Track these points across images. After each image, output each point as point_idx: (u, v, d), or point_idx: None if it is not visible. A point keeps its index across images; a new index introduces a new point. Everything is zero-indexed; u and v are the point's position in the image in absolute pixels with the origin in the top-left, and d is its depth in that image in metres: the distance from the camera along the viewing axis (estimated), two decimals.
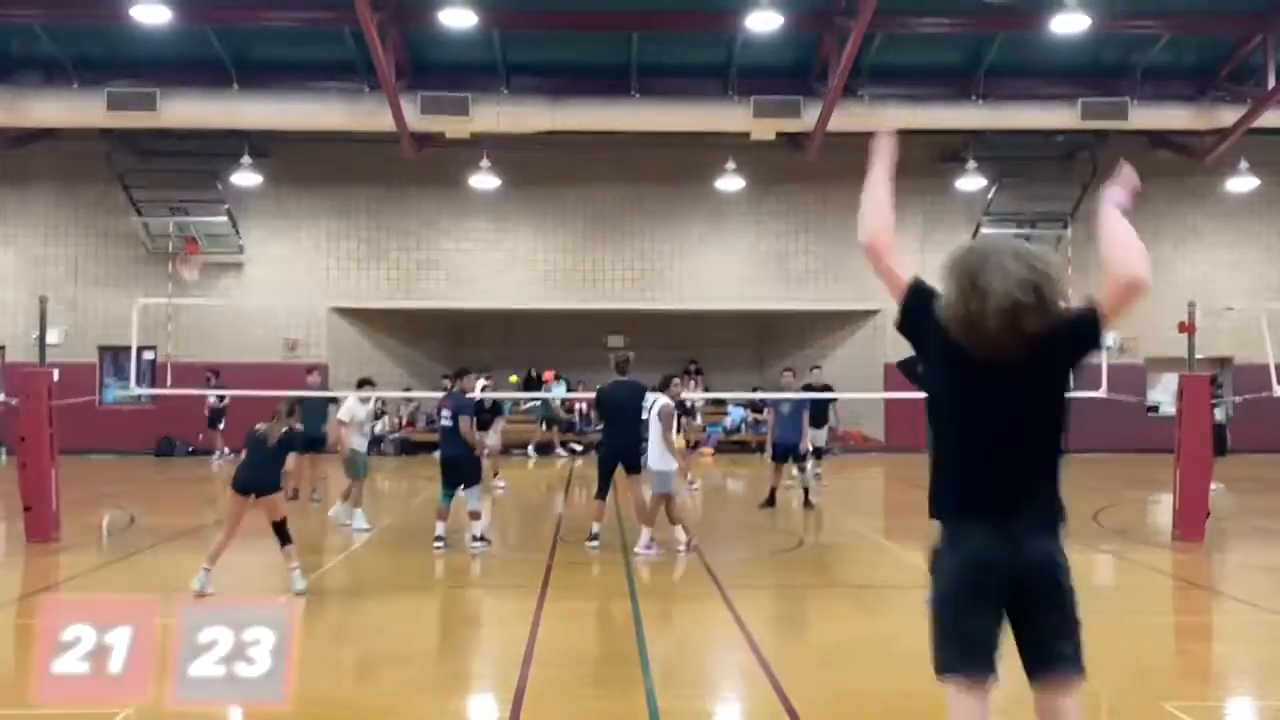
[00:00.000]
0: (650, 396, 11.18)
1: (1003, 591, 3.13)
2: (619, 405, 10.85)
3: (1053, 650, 3.13)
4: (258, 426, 8.50)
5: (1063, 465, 3.26)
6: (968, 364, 3.16)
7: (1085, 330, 3.16)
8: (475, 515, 10.80)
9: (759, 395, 22.29)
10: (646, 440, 10.95)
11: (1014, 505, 3.17)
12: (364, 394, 13.01)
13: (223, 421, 20.87)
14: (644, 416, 11.03)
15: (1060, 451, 3.26)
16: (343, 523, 12.20)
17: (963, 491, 3.23)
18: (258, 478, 8.26)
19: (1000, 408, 3.16)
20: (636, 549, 10.44)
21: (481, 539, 10.77)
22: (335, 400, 13.28)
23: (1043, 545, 3.16)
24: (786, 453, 14.05)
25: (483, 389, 14.68)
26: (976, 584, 3.14)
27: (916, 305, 3.34)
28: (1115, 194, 3.33)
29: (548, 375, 24.87)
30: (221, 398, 20.50)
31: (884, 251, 3.48)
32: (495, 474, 16.72)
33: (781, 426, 14.05)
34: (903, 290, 3.38)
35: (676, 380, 11.11)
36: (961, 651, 3.16)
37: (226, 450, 20.65)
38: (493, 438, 15.86)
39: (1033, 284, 3.03)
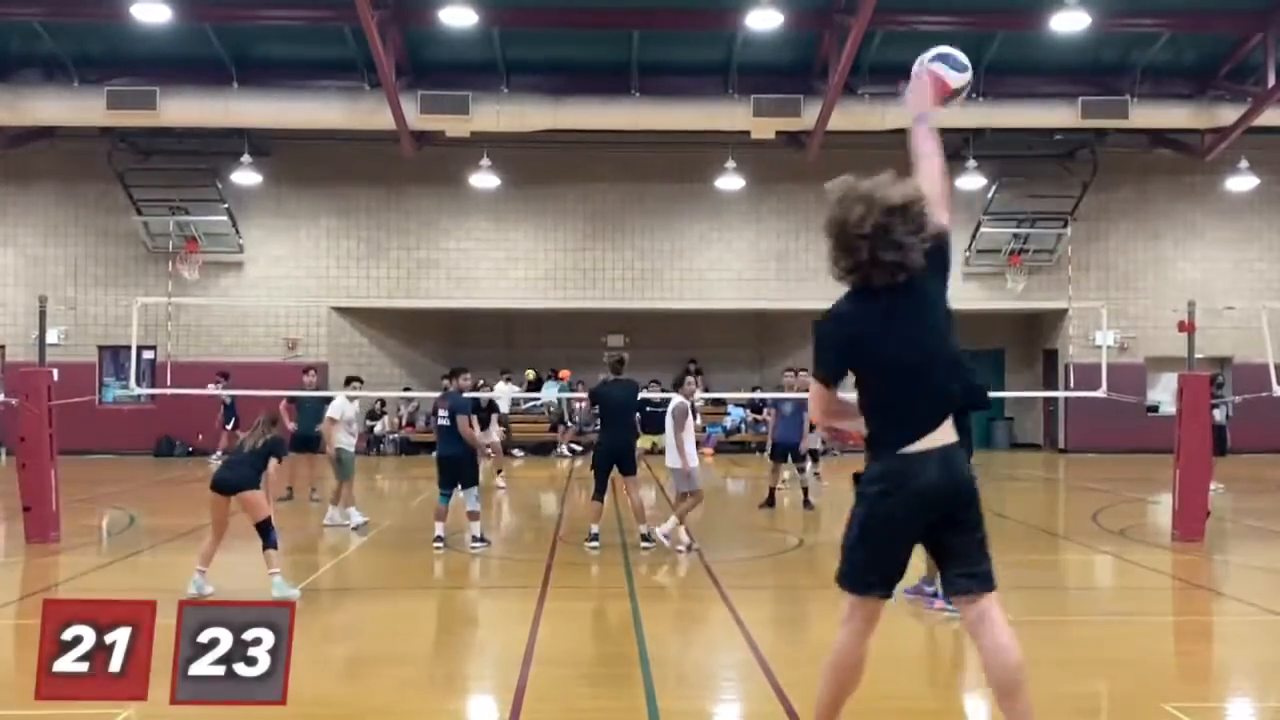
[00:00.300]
0: (646, 394, 11.23)
1: (933, 518, 3.47)
2: (615, 405, 10.88)
3: (978, 569, 3.52)
4: (241, 437, 8.59)
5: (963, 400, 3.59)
6: (868, 307, 3.51)
7: (940, 246, 3.53)
8: (474, 516, 10.80)
9: (758, 395, 22.31)
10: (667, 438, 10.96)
11: (941, 433, 3.50)
12: (351, 392, 13.03)
13: (233, 420, 20.86)
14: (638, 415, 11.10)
15: (963, 377, 3.58)
16: (338, 524, 12.20)
17: (897, 427, 3.54)
18: (232, 477, 8.27)
19: (906, 331, 3.50)
20: (659, 532, 10.55)
21: (481, 539, 10.77)
22: (330, 400, 13.32)
23: (966, 470, 3.53)
24: (785, 452, 14.08)
25: (477, 385, 14.77)
26: (912, 518, 3.45)
27: (829, 349, 3.66)
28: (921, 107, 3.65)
29: (564, 375, 24.87)
30: (231, 398, 20.51)
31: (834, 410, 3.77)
32: (499, 471, 16.73)
33: (783, 425, 14.08)
34: (819, 375, 3.71)
35: (690, 379, 11.13)
36: (883, 579, 3.56)
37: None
38: (492, 436, 15.90)
39: (898, 195, 3.41)
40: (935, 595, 7.72)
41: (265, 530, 8.21)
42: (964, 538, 3.54)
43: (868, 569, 3.58)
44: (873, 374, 3.60)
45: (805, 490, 14.13)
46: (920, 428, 3.52)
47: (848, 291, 3.62)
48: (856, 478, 3.66)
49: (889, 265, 3.44)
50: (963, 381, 3.58)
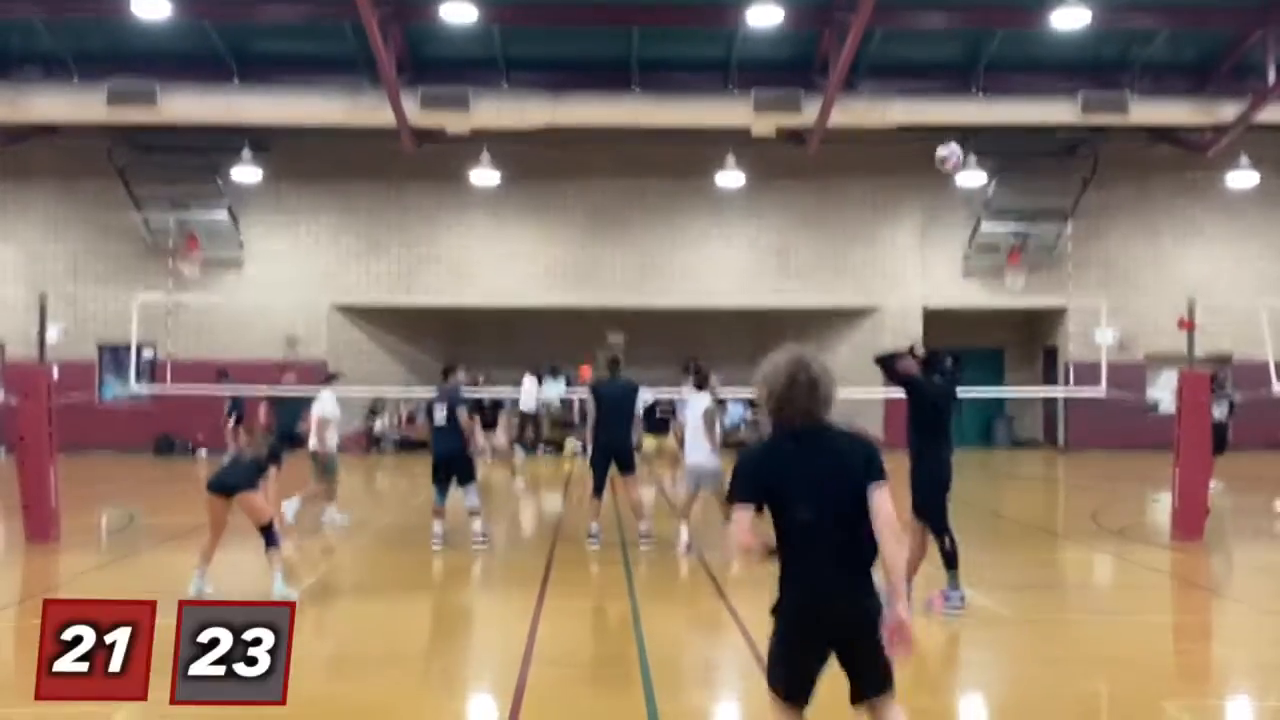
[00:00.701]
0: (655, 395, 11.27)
1: (832, 641, 3.90)
2: (612, 403, 10.85)
3: (874, 679, 3.89)
4: (241, 446, 8.54)
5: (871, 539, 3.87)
6: (784, 446, 3.98)
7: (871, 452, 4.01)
8: (475, 512, 10.79)
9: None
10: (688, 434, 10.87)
11: (838, 569, 3.87)
12: (337, 390, 13.01)
13: (236, 417, 20.81)
14: (638, 413, 11.09)
15: (863, 509, 3.88)
16: (338, 524, 12.21)
17: (797, 562, 3.91)
18: (230, 479, 8.26)
19: (811, 462, 3.93)
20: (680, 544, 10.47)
21: (482, 537, 10.76)
22: (310, 400, 13.35)
23: (865, 601, 3.87)
24: None
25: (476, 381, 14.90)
26: (810, 630, 3.91)
27: (747, 475, 4.03)
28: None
29: (585, 371, 24.78)
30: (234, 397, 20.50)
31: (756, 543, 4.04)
32: (513, 473, 16.67)
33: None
34: (740, 499, 4.01)
35: (714, 379, 11.06)
36: (796, 688, 3.92)
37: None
38: (500, 437, 15.92)
39: (821, 371, 3.99)
40: (945, 596, 7.70)
41: (268, 532, 8.20)
42: (863, 660, 3.91)
43: (782, 679, 3.96)
44: (779, 507, 3.96)
45: None
46: (813, 560, 3.88)
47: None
48: (775, 607, 4.02)
49: (800, 412, 3.97)
50: (864, 536, 3.89)
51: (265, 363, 22.41)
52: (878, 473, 3.91)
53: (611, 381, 11.02)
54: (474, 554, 10.53)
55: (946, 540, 7.69)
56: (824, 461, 3.94)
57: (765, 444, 4.12)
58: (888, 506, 3.87)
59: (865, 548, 3.90)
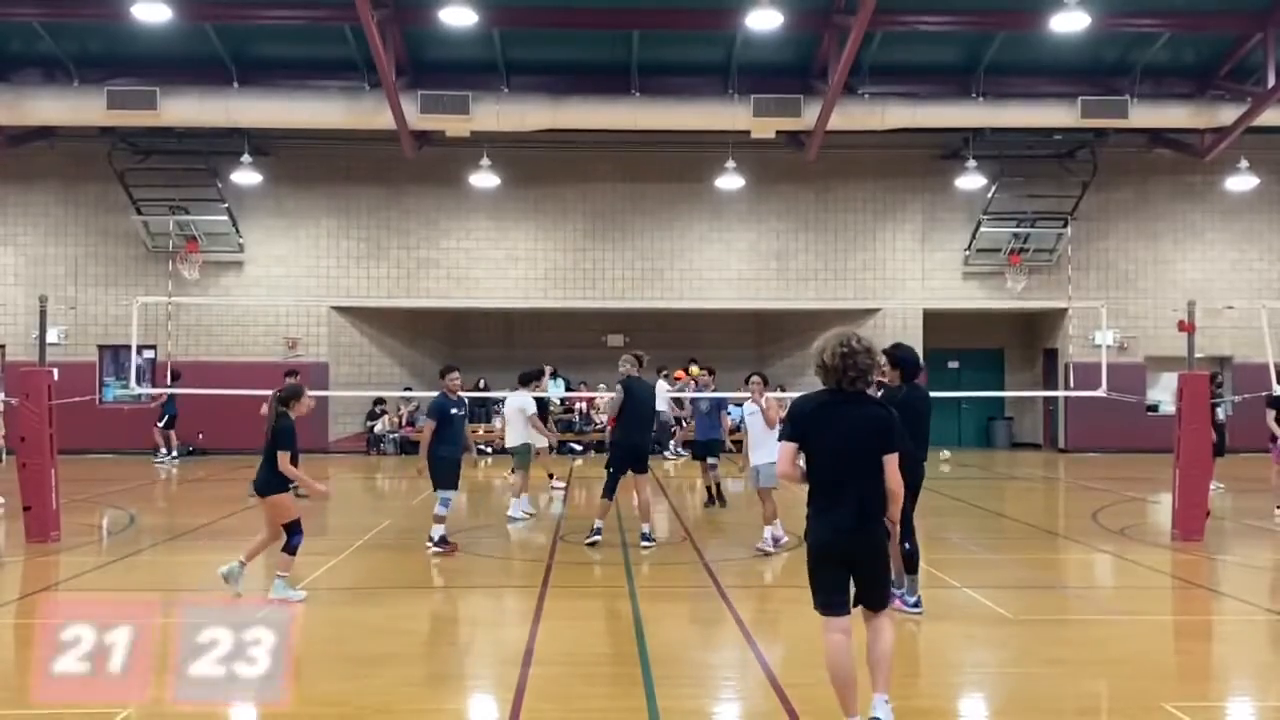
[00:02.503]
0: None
1: (845, 559, 5.02)
2: (643, 401, 10.77)
3: (876, 596, 5.09)
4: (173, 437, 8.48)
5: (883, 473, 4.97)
6: (826, 401, 5.07)
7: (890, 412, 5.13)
8: (435, 519, 10.55)
9: (778, 394, 22.25)
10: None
11: (849, 506, 4.94)
12: (534, 393, 14.21)
13: (167, 419, 21.04)
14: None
15: (879, 465, 4.98)
16: (518, 517, 13.01)
17: (819, 496, 5.02)
18: (257, 479, 8.28)
19: (844, 420, 4.98)
20: (769, 543, 10.47)
21: (439, 543, 10.48)
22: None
23: (873, 534, 4.99)
24: (705, 448, 14.60)
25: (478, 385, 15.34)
26: (830, 556, 5.03)
27: (795, 419, 5.11)
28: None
29: (680, 375, 24.51)
30: (171, 397, 20.72)
31: (794, 472, 5.16)
32: (551, 475, 16.60)
33: (701, 424, 14.86)
34: (787, 437, 5.14)
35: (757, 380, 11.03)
36: (831, 601, 5.05)
37: (172, 453, 21.10)
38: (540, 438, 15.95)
39: (866, 348, 5.10)
40: (900, 596, 7.66)
41: (289, 532, 8.18)
42: (869, 580, 5.05)
43: (817, 593, 5.06)
44: (812, 450, 5.01)
45: (716, 486, 14.31)
46: (835, 501, 4.96)
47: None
48: (806, 533, 5.14)
49: (851, 379, 5.01)
50: (875, 476, 4.96)
51: (265, 365, 22.47)
52: (891, 445, 4.97)
53: (640, 381, 10.91)
54: (475, 555, 10.50)
55: (906, 544, 7.57)
56: (854, 421, 4.96)
57: (815, 398, 5.10)
58: (894, 472, 4.97)
59: (876, 495, 4.95)
